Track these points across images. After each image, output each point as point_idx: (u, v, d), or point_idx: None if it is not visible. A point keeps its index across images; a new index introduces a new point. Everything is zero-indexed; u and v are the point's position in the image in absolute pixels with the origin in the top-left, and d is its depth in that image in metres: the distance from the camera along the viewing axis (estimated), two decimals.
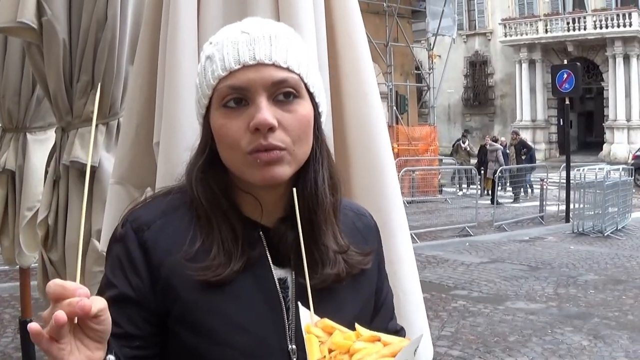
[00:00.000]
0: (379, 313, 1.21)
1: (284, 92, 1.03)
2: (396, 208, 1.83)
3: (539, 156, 30.10)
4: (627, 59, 31.88)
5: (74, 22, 2.58)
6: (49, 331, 0.79)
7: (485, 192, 17.85)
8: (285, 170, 1.03)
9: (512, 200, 16.90)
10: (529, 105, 35.01)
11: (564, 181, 13.54)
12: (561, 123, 29.93)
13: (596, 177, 12.49)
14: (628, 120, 32.10)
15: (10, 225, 3.57)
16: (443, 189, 19.33)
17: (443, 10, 20.87)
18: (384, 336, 0.97)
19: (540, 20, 34.32)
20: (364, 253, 1.14)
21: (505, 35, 35.52)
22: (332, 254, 1.09)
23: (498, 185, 15.31)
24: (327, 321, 0.98)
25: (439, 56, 22.50)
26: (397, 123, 19.68)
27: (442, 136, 27.59)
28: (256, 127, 0.99)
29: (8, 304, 6.86)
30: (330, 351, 0.94)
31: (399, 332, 1.25)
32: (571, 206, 12.88)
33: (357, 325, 0.99)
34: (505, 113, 37.05)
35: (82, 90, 2.63)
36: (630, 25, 31.14)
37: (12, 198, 3.55)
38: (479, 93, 38.34)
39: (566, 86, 14.04)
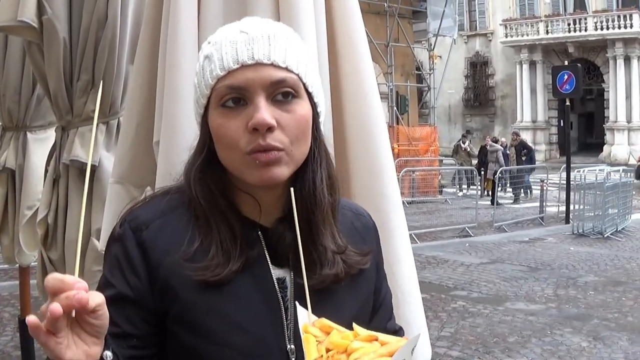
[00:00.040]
0: (377, 313, 1.21)
1: (283, 92, 1.03)
2: (395, 208, 1.83)
3: (539, 157, 30.13)
4: (627, 60, 31.86)
5: (75, 21, 2.58)
6: (46, 324, 0.79)
7: (486, 192, 17.84)
8: (283, 171, 1.03)
9: (512, 201, 16.90)
10: (529, 106, 35.00)
11: (564, 182, 13.54)
12: (561, 124, 29.95)
13: (596, 179, 12.49)
14: (628, 121, 32.08)
15: (10, 224, 3.58)
16: (443, 189, 19.33)
17: (444, 11, 20.87)
18: (382, 335, 0.97)
19: (541, 21, 34.30)
20: (362, 253, 1.14)
21: (506, 36, 35.50)
22: (331, 254, 1.09)
23: (498, 186, 15.31)
24: (325, 321, 0.98)
25: (440, 57, 22.49)
26: (397, 123, 19.68)
27: (443, 137, 27.59)
28: (254, 127, 0.99)
29: (8, 303, 6.86)
30: (327, 350, 0.94)
31: (398, 332, 1.25)
32: (571, 207, 12.87)
33: (354, 325, 0.99)
34: (506, 114, 37.05)
35: (82, 89, 2.63)
36: (631, 26, 31.12)
37: (12, 197, 3.56)
38: (480, 94, 38.32)
39: (567, 87, 14.04)
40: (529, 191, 17.68)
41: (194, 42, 1.71)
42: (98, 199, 2.56)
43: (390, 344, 0.95)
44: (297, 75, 1.04)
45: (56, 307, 0.78)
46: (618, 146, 32.10)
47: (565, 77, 14.04)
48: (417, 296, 1.86)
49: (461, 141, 20.54)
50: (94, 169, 2.63)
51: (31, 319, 0.79)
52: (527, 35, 34.62)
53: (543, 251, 10.42)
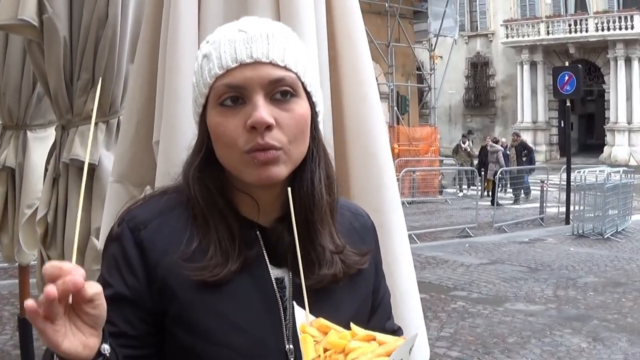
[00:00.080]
0: (376, 313, 1.21)
1: (281, 91, 1.02)
2: (394, 208, 1.83)
3: (539, 158, 30.12)
4: (628, 61, 31.85)
5: (75, 20, 2.58)
6: (43, 309, 0.79)
7: (486, 193, 17.84)
8: (281, 170, 1.03)
9: (512, 202, 16.90)
10: (529, 107, 34.99)
11: (565, 183, 13.54)
12: (562, 125, 29.91)
13: (596, 180, 12.50)
14: (629, 122, 32.07)
15: (9, 222, 3.58)
16: (444, 190, 19.33)
17: (445, 11, 20.88)
18: (379, 335, 0.97)
19: (542, 22, 34.30)
20: (361, 253, 1.14)
21: (507, 37, 35.50)
22: (329, 254, 1.09)
23: (498, 187, 15.30)
24: (323, 321, 0.98)
25: (441, 57, 22.50)
26: (398, 123, 19.69)
27: (443, 137, 27.59)
28: (253, 126, 0.99)
29: (7, 302, 6.86)
30: (325, 350, 0.94)
31: (396, 331, 1.24)
32: (571, 208, 12.87)
33: (352, 325, 0.99)
34: (506, 114, 37.03)
35: (82, 88, 2.63)
36: (632, 27, 31.12)
37: (12, 195, 3.56)
38: (480, 94, 38.32)
39: (567, 88, 14.04)
40: (528, 192, 17.66)
41: (194, 42, 1.71)
42: (98, 198, 2.56)
43: (388, 343, 0.95)
44: (296, 74, 1.04)
45: (51, 289, 0.78)
46: (618, 147, 32.10)
47: (566, 78, 14.04)
48: (415, 296, 1.85)
49: (461, 141, 20.54)
50: (93, 168, 2.63)
51: (29, 302, 0.79)
52: (528, 36, 34.61)
53: (543, 252, 10.42)
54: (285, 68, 1.03)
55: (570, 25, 33.21)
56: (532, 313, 6.82)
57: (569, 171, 13.41)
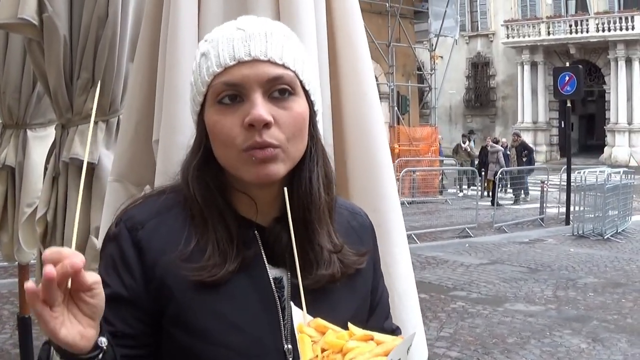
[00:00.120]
0: (374, 312, 1.21)
1: (279, 89, 1.02)
2: (393, 208, 1.83)
3: (540, 158, 30.13)
4: (629, 62, 31.85)
5: (75, 19, 2.58)
6: (42, 292, 0.80)
7: (486, 193, 17.83)
8: (279, 168, 1.02)
9: (512, 202, 16.89)
10: (530, 107, 35.00)
11: (565, 183, 13.53)
12: (562, 125, 29.92)
13: (597, 180, 12.49)
14: (629, 123, 32.07)
15: (9, 221, 3.58)
16: (444, 190, 19.32)
17: (445, 11, 20.88)
18: (377, 335, 0.97)
19: (543, 22, 34.30)
20: (359, 253, 1.14)
21: (508, 37, 35.51)
22: (327, 253, 1.08)
23: (498, 187, 15.29)
24: (320, 321, 0.98)
25: (441, 57, 22.49)
26: (398, 123, 19.69)
27: (443, 137, 27.57)
28: (251, 124, 0.99)
29: (7, 300, 6.85)
30: (323, 350, 0.94)
31: (395, 331, 1.24)
32: (571, 209, 12.87)
33: (349, 325, 0.98)
34: (507, 115, 37.04)
35: (82, 88, 2.63)
36: (633, 28, 31.12)
37: (11, 194, 3.56)
38: (481, 94, 38.33)
39: (568, 88, 14.04)
40: (526, 192, 17.62)
41: (193, 41, 1.71)
42: (97, 197, 2.56)
43: (385, 343, 0.95)
44: (294, 72, 1.04)
45: (50, 269, 0.78)
46: (619, 148, 32.10)
47: (567, 78, 14.05)
48: (413, 296, 1.85)
49: (462, 141, 20.55)
50: (93, 166, 2.63)
51: (29, 284, 0.79)
52: (529, 36, 34.61)
53: (543, 252, 10.41)
54: (283, 66, 1.02)
55: (570, 25, 33.21)
56: (531, 313, 6.82)
57: (569, 172, 13.41)
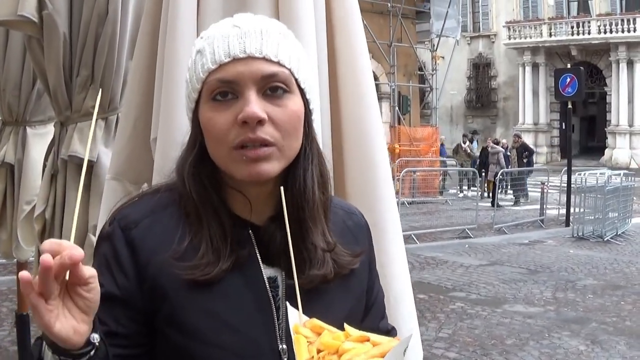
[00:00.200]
0: (369, 312, 1.20)
1: (274, 87, 1.02)
2: (389, 209, 1.82)
3: (540, 159, 30.15)
4: (630, 64, 31.84)
5: (75, 16, 2.57)
6: (38, 282, 0.79)
7: (486, 194, 17.82)
8: (273, 167, 1.02)
9: (512, 203, 16.88)
10: (531, 109, 34.99)
11: (565, 185, 13.53)
12: (563, 127, 29.94)
13: (597, 182, 12.48)
14: (630, 125, 32.06)
15: (8, 218, 3.57)
16: (444, 190, 19.32)
17: (447, 12, 20.88)
18: (373, 336, 0.96)
19: (545, 23, 34.29)
20: (353, 254, 1.13)
21: (509, 38, 35.50)
22: (321, 252, 1.08)
23: (499, 188, 15.29)
24: (316, 321, 0.98)
25: (443, 57, 22.51)
26: (399, 123, 19.70)
27: (444, 137, 27.58)
28: (244, 120, 0.98)
29: (6, 298, 6.85)
30: (319, 351, 0.93)
31: (390, 331, 1.24)
32: (571, 210, 12.87)
33: (346, 326, 0.98)
34: (508, 116, 37.04)
35: (81, 85, 2.62)
36: (635, 30, 31.11)
37: (10, 191, 3.55)
38: (482, 95, 38.32)
39: (569, 90, 14.04)
40: (525, 194, 17.59)
41: (192, 39, 1.70)
42: (96, 195, 2.55)
43: (382, 344, 0.95)
44: (289, 70, 1.03)
45: (47, 257, 0.78)
46: (619, 150, 32.09)
47: (568, 79, 14.05)
48: (409, 297, 1.84)
49: (462, 141, 20.55)
50: (92, 164, 2.62)
51: (24, 273, 0.79)
52: (530, 37, 34.61)
53: (542, 254, 10.41)
54: (278, 64, 1.02)
55: (572, 27, 33.20)
56: (530, 315, 6.82)
57: (569, 173, 13.40)
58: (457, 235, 12.02)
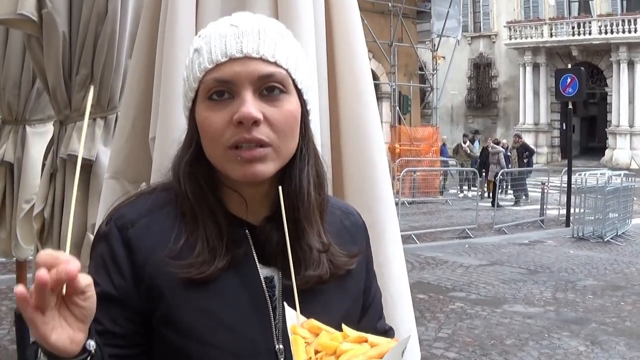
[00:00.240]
0: (367, 313, 1.20)
1: (271, 87, 1.01)
2: (387, 208, 1.82)
3: (541, 160, 30.14)
4: (631, 64, 31.83)
5: (74, 15, 2.57)
6: (34, 297, 0.79)
7: (486, 194, 17.82)
8: (268, 167, 1.01)
9: (512, 203, 16.88)
10: (532, 109, 34.98)
11: (565, 185, 13.53)
12: (564, 127, 29.90)
13: (597, 182, 12.48)
14: (631, 126, 32.04)
15: (7, 217, 3.58)
16: (445, 190, 19.31)
17: (448, 12, 20.85)
18: (371, 337, 0.96)
19: (546, 24, 34.28)
20: (350, 255, 1.13)
21: (510, 38, 35.49)
22: (316, 253, 1.07)
23: (499, 188, 15.28)
24: (314, 322, 0.97)
25: (443, 57, 22.49)
26: (399, 123, 19.69)
27: (446, 137, 27.57)
28: (240, 121, 0.98)
29: (5, 296, 6.85)
30: (316, 352, 0.93)
31: (388, 332, 1.23)
32: (572, 211, 12.87)
33: (343, 326, 0.98)
34: (508, 116, 37.03)
35: (80, 84, 2.62)
36: (636, 31, 31.09)
37: (10, 190, 3.56)
38: (483, 95, 38.31)
39: (570, 90, 14.03)
40: (525, 194, 17.59)
41: (191, 38, 1.69)
42: (95, 194, 2.55)
43: (380, 345, 0.94)
44: (286, 70, 1.03)
45: (43, 273, 0.77)
46: (620, 150, 32.07)
47: (569, 80, 14.04)
48: (407, 297, 1.84)
49: (462, 141, 20.54)
50: (91, 163, 2.62)
51: (19, 289, 0.78)
52: (531, 37, 34.59)
53: (542, 254, 10.41)
54: (275, 64, 1.02)
55: (573, 27, 33.19)
56: (530, 315, 6.81)
57: (569, 174, 13.40)
58: (457, 235, 12.02)
